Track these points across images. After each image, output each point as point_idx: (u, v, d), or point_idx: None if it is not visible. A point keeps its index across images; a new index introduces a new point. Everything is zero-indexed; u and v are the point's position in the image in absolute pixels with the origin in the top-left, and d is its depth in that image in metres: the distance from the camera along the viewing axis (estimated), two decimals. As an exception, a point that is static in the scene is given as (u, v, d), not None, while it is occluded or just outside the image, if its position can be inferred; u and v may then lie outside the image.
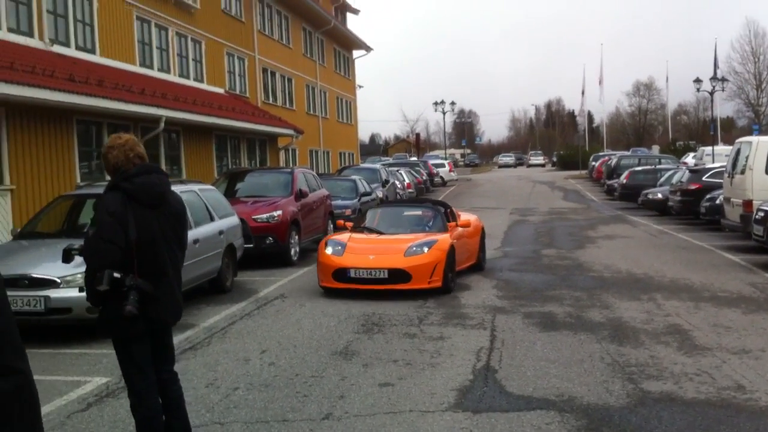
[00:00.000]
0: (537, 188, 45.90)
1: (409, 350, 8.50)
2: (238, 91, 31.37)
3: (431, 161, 53.68)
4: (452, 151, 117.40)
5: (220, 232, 12.33)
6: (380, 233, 12.99)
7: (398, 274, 11.58)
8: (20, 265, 9.23)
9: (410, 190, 34.90)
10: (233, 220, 13.24)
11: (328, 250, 12.06)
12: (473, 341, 8.85)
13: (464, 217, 14.17)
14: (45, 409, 6.45)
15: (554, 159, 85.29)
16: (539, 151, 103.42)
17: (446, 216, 13.64)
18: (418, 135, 76.37)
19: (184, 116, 21.61)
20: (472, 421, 6.14)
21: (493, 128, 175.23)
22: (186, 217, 5.27)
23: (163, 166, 21.73)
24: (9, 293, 8.14)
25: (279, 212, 15.50)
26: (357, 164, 44.81)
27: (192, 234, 11.24)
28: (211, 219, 12.34)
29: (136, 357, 4.90)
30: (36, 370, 6.48)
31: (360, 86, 62.02)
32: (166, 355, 5.15)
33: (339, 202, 20.07)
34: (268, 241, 15.20)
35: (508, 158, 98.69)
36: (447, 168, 54.42)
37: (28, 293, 8.90)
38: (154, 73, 24.23)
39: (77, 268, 9.09)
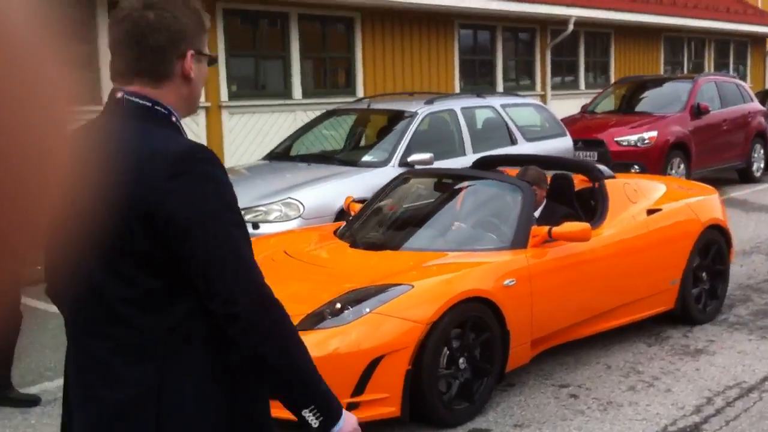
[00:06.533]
0: None
1: (618, 370, 5.34)
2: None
3: None
4: None
5: (522, 159, 9.77)
6: (355, 246, 5.44)
7: None
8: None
9: None
10: (560, 142, 10.49)
11: None
12: (739, 368, 5.28)
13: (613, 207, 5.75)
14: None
15: None
16: None
17: (564, 203, 5.86)
18: None
19: (606, 16, 18.50)
20: None
21: None
22: None
23: (582, 74, 19.08)
24: None
25: (653, 133, 12.04)
26: None
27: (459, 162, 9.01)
28: (512, 142, 9.84)
29: None
30: None
31: None
32: None
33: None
34: (633, 170, 11.93)
35: None
36: None
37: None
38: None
39: (265, 198, 7.65)
